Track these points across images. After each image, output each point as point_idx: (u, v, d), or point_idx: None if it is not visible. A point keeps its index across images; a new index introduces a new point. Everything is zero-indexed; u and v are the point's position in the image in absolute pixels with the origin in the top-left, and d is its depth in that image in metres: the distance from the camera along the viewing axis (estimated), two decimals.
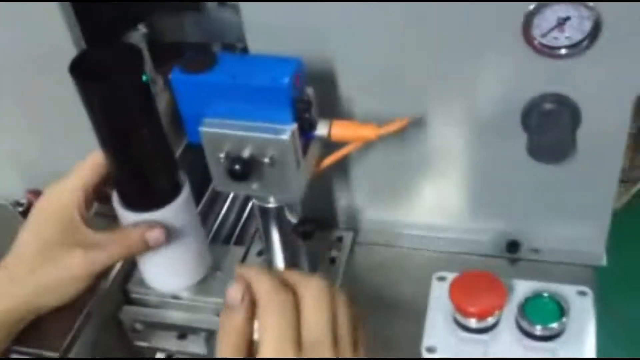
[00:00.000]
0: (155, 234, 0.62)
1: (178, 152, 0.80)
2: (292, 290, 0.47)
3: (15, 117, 0.74)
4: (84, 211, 0.62)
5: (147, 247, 0.62)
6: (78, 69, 0.56)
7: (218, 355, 0.48)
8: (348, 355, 0.46)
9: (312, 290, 0.47)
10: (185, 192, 0.64)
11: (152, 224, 0.62)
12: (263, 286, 0.47)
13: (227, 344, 0.48)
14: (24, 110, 0.74)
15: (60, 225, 0.61)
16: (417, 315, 0.62)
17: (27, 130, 0.76)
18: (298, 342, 0.45)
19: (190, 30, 0.87)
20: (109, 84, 0.56)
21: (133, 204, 0.63)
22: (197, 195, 0.82)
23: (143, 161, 0.61)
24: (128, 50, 0.61)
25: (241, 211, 0.85)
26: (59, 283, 0.60)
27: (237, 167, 0.55)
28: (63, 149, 0.73)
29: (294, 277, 0.48)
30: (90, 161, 0.62)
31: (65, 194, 0.62)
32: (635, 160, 2.05)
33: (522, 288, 0.54)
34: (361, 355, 0.48)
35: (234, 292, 0.48)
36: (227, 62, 0.56)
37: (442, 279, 0.56)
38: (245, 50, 0.71)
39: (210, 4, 0.89)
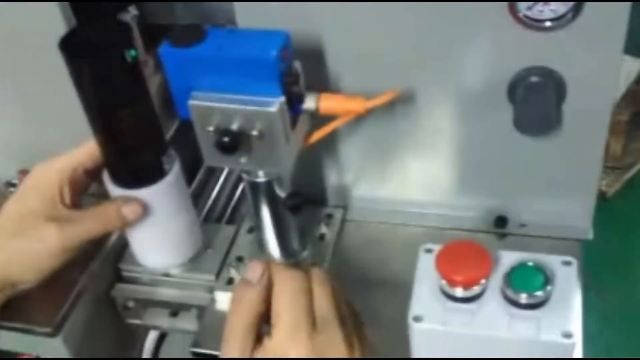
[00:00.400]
0: (131, 208, 0.63)
1: (170, 133, 0.81)
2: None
3: (9, 99, 0.75)
4: (67, 191, 0.63)
5: (125, 222, 0.63)
6: (67, 45, 0.57)
7: (228, 327, 0.49)
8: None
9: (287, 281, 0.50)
10: (175, 171, 0.65)
11: (128, 198, 0.63)
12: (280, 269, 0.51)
13: (240, 316, 0.49)
14: (18, 92, 0.74)
15: (40, 199, 0.62)
16: (406, 290, 0.63)
17: (21, 112, 0.76)
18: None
19: (181, 12, 0.88)
20: (97, 59, 0.56)
21: (122, 181, 0.64)
22: (190, 175, 0.83)
23: (131, 138, 0.61)
24: (117, 26, 0.61)
25: (233, 191, 0.86)
26: (32, 254, 0.61)
27: (225, 139, 0.56)
28: (56, 132, 0.74)
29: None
30: (85, 146, 0.64)
31: (51, 171, 0.63)
32: (628, 146, 2.07)
33: (508, 258, 0.54)
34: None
35: (255, 268, 0.50)
36: (216, 36, 0.56)
37: (429, 250, 0.57)
38: None
39: None
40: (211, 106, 0.56)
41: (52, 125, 0.75)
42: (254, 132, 0.56)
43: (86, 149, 0.64)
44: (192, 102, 0.57)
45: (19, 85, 0.73)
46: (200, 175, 0.85)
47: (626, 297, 1.57)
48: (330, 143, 0.70)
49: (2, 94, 0.74)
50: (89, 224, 0.62)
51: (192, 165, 0.80)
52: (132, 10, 0.82)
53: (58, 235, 0.61)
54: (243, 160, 0.58)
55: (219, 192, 0.85)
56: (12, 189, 0.79)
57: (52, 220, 0.61)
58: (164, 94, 0.67)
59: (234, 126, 0.56)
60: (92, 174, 0.65)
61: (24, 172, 0.79)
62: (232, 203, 0.84)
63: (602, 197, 1.72)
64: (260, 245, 0.68)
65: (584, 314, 0.60)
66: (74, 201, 0.64)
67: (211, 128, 0.57)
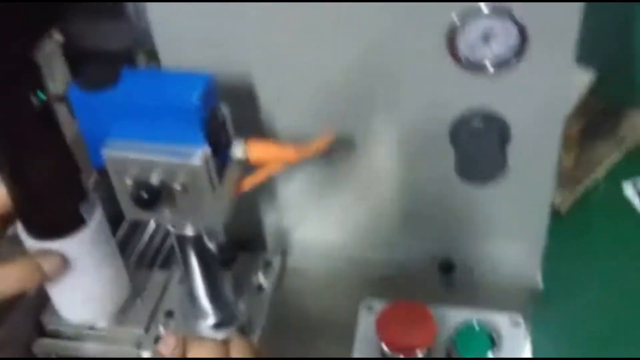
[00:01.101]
0: (52, 263, 0.57)
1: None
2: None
3: None
4: None
5: (45, 278, 0.58)
6: None
7: None
8: None
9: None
10: (96, 219, 0.60)
11: (48, 252, 0.58)
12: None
13: None
14: None
15: None
16: (348, 342, 0.60)
17: None
18: None
19: (110, 37, 0.83)
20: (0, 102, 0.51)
21: (37, 231, 0.59)
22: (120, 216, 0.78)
23: (43, 188, 0.56)
24: (24, 65, 0.56)
25: (168, 232, 0.81)
26: None
27: (143, 194, 0.51)
28: None
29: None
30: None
31: None
32: (580, 158, 2.07)
33: (454, 316, 0.51)
34: None
35: (168, 342, 0.49)
36: (132, 78, 0.51)
37: (370, 308, 0.53)
38: None
39: (130, 10, 0.84)
40: (128, 157, 0.51)
41: None
42: (177, 186, 0.51)
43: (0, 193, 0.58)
44: (106, 152, 0.52)
45: None
46: None
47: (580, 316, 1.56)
48: (266, 185, 0.66)
49: None
50: (4, 283, 0.57)
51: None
52: (57, 36, 0.77)
53: None
54: (167, 214, 0.54)
55: (154, 232, 0.80)
56: None
57: None
58: None
59: (154, 179, 0.51)
60: (8, 220, 0.59)
61: None
62: (167, 244, 0.79)
63: (556, 214, 1.71)
64: (191, 298, 0.64)
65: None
66: None
67: (129, 181, 0.52)
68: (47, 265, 0.57)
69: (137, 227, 0.80)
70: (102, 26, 0.82)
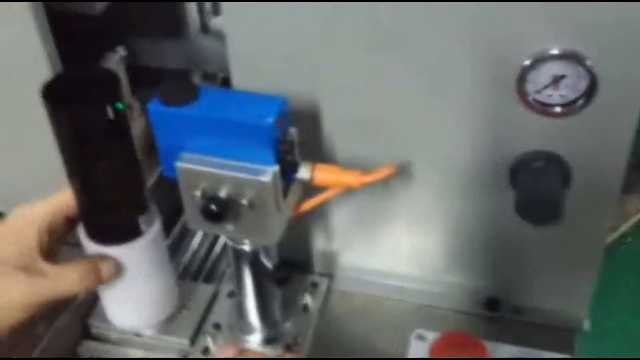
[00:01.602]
0: (108, 268, 0.59)
1: (152, 180, 0.77)
2: None
3: None
4: (46, 240, 0.58)
5: (100, 281, 0.59)
6: (49, 92, 0.54)
7: None
8: None
9: None
10: (155, 228, 0.61)
11: (104, 257, 0.59)
12: None
13: None
14: None
15: (15, 246, 0.57)
16: None
17: None
18: None
19: (171, 56, 0.85)
20: (79, 110, 0.53)
21: (97, 236, 0.60)
22: (168, 224, 0.80)
23: (109, 195, 0.57)
24: (104, 75, 0.58)
25: (213, 245, 0.82)
26: None
27: (212, 207, 0.52)
28: (33, 171, 0.70)
29: None
30: (67, 191, 0.59)
31: (31, 217, 0.59)
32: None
33: (503, 353, 0.52)
34: None
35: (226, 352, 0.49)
36: (209, 95, 0.53)
37: (421, 338, 0.54)
38: (226, 80, 0.68)
39: (192, 31, 0.87)
40: (199, 170, 0.53)
41: (29, 164, 0.71)
42: (244, 201, 0.53)
43: (68, 195, 0.60)
44: (179, 165, 0.53)
45: None
46: (178, 226, 0.81)
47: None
48: (319, 209, 0.66)
49: None
50: (62, 281, 0.58)
51: (171, 211, 0.76)
52: (121, 51, 0.79)
53: (25, 290, 0.56)
54: (230, 228, 0.55)
55: (199, 245, 0.81)
56: None
57: (23, 272, 0.56)
58: (147, 139, 0.64)
59: (223, 193, 0.53)
60: (74, 222, 0.61)
61: None
62: (211, 259, 0.81)
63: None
64: (240, 312, 0.65)
65: None
66: (52, 250, 0.59)
67: (198, 193, 0.53)
68: (104, 268, 0.59)
69: (183, 239, 0.82)
70: (163, 44, 0.84)
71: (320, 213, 0.68)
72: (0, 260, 0.57)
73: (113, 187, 0.57)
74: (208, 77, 0.92)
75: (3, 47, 0.63)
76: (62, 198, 0.60)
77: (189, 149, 0.54)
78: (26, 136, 0.68)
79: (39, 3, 0.60)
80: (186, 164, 0.53)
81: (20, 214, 0.59)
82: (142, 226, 0.61)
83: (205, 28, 0.87)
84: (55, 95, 0.53)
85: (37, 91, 0.53)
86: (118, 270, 0.60)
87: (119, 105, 0.54)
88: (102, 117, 0.53)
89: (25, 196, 0.60)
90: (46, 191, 0.60)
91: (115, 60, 0.78)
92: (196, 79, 0.91)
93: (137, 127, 0.78)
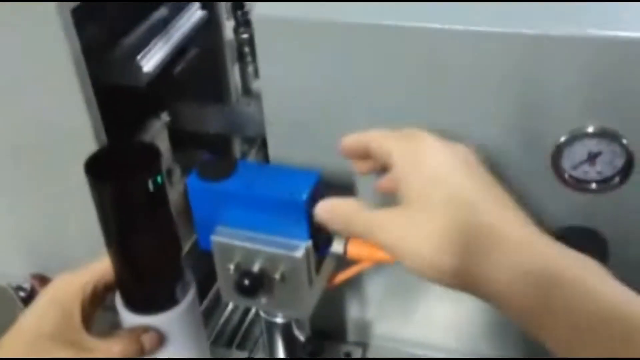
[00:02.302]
0: (151, 339, 0.59)
1: (188, 245, 0.79)
2: None
3: (25, 198, 0.73)
4: (88, 310, 0.59)
5: (142, 354, 0.60)
6: (92, 166, 0.55)
7: None
8: None
9: None
10: (190, 297, 0.62)
11: (147, 328, 0.60)
12: None
13: None
14: (33, 191, 0.72)
15: (59, 319, 0.58)
16: None
17: (36, 212, 0.74)
18: None
19: (212, 121, 0.87)
20: (119, 184, 0.55)
21: (134, 305, 0.61)
22: (203, 288, 0.80)
23: (147, 264, 0.58)
24: (146, 149, 0.60)
25: (247, 311, 0.82)
26: None
27: (246, 282, 0.53)
28: (73, 234, 0.72)
29: None
30: (106, 259, 0.61)
31: (73, 287, 0.59)
32: None
33: None
34: None
35: None
36: (245, 171, 0.54)
37: None
38: (265, 143, 0.70)
39: (234, 95, 0.89)
40: (234, 244, 0.54)
41: (69, 228, 0.73)
42: (276, 275, 0.53)
43: (107, 264, 0.61)
44: (214, 238, 0.54)
45: (37, 185, 0.72)
46: (213, 290, 0.81)
47: None
48: (352, 277, 0.67)
49: (19, 192, 0.73)
50: (107, 354, 0.58)
51: (208, 277, 0.77)
52: (164, 117, 0.81)
53: None
54: (263, 301, 0.55)
55: (232, 312, 0.82)
56: (22, 294, 0.77)
57: (71, 348, 0.56)
58: (186, 203, 0.65)
59: (256, 267, 0.53)
60: (111, 288, 0.62)
61: (36, 277, 0.77)
62: (245, 324, 0.81)
63: None
64: None
65: None
66: (91, 318, 0.60)
67: (232, 266, 0.54)
68: (147, 340, 0.59)
69: (217, 304, 0.82)
70: (205, 110, 0.87)
71: (354, 281, 0.68)
72: (46, 336, 0.58)
73: (150, 257, 0.58)
74: (248, 140, 0.94)
75: (50, 119, 0.65)
76: (102, 267, 0.61)
77: (224, 222, 0.55)
78: (70, 204, 0.70)
79: (86, 76, 0.62)
80: (221, 238, 0.54)
81: (62, 284, 0.60)
82: (178, 295, 0.61)
83: (247, 91, 0.90)
84: (97, 169, 0.55)
85: (81, 163, 0.55)
86: (161, 341, 0.60)
87: (159, 179, 0.56)
88: (142, 191, 0.55)
89: (68, 262, 0.62)
90: (88, 257, 0.62)
91: (158, 126, 0.80)
92: (236, 143, 0.93)
93: (176, 191, 0.80)
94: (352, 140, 0.52)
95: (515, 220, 0.45)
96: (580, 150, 0.52)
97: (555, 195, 0.54)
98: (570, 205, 0.55)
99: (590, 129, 0.51)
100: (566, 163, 0.53)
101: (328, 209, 0.50)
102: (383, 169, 0.50)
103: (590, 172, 0.53)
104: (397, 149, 0.48)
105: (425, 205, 0.45)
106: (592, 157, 0.52)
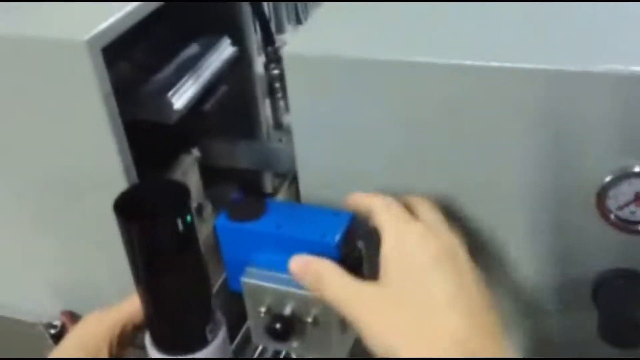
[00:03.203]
0: None
1: (219, 283, 0.77)
2: None
3: (55, 236, 0.73)
4: (117, 350, 0.59)
5: None
6: (121, 206, 0.55)
7: None
8: None
9: None
10: (220, 337, 0.60)
11: None
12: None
13: None
14: (64, 230, 0.72)
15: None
16: None
17: (66, 250, 0.74)
18: None
19: (243, 157, 0.86)
20: (149, 225, 0.54)
21: (164, 345, 0.60)
22: (234, 327, 0.79)
23: (176, 305, 0.57)
24: (175, 188, 0.59)
25: (278, 351, 0.80)
26: None
27: (277, 326, 0.51)
28: (102, 272, 0.71)
29: None
30: (135, 299, 0.60)
31: (101, 328, 0.59)
32: None
33: None
34: None
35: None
36: (276, 211, 0.53)
37: None
38: (296, 178, 0.69)
39: (265, 131, 0.89)
40: (264, 286, 0.52)
41: (98, 265, 0.73)
42: (309, 319, 0.52)
43: (137, 303, 0.60)
44: (244, 280, 0.53)
45: (67, 224, 0.71)
46: (243, 330, 0.80)
47: None
48: None
49: (48, 231, 0.73)
50: None
51: (239, 315, 0.76)
52: (195, 152, 0.81)
53: None
54: (294, 345, 0.54)
55: (262, 351, 0.80)
56: (52, 331, 0.76)
57: None
58: (216, 239, 0.64)
59: (287, 310, 0.52)
60: (140, 328, 0.61)
61: (66, 314, 0.76)
62: None
63: None
64: None
65: None
66: (119, 357, 0.59)
67: (263, 309, 0.53)
68: None
69: (247, 343, 0.80)
70: (235, 145, 0.86)
71: None
72: None
73: (179, 298, 0.57)
74: (279, 176, 0.93)
75: (80, 158, 0.65)
76: (132, 306, 0.60)
77: (255, 264, 0.53)
78: (100, 242, 0.70)
79: (117, 115, 0.62)
80: (251, 280, 0.53)
81: (91, 324, 0.60)
82: (208, 335, 0.60)
83: (278, 125, 0.89)
84: (125, 208, 0.55)
85: (111, 201, 0.54)
86: None
87: (188, 218, 0.55)
88: (171, 231, 0.54)
89: (99, 299, 0.61)
90: (119, 295, 0.61)
91: (189, 162, 0.80)
92: (267, 178, 0.92)
93: (207, 227, 0.79)
94: (355, 202, 0.53)
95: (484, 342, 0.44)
96: (627, 191, 0.50)
97: (600, 236, 0.52)
98: (615, 247, 0.52)
99: (638, 169, 0.49)
100: (612, 204, 0.50)
101: (301, 264, 0.50)
102: None
103: (637, 213, 0.50)
104: (388, 227, 0.49)
105: (400, 296, 0.46)
106: (639, 198, 0.50)
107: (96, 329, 0.59)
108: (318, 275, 0.49)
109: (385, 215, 0.50)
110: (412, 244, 0.48)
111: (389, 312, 0.45)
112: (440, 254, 0.47)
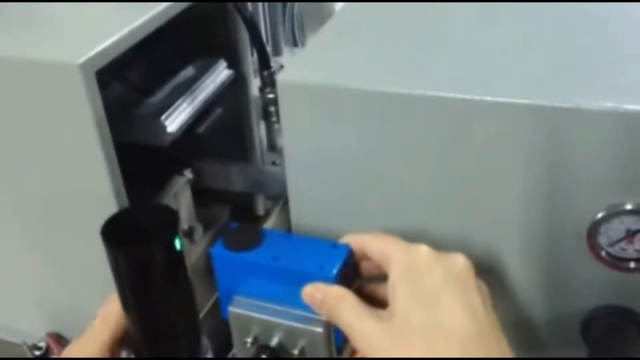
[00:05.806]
0: None
1: (209, 305, 0.76)
2: None
3: (41, 256, 0.72)
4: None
5: None
6: (108, 231, 0.54)
7: None
8: None
9: None
10: None
11: None
12: None
13: None
14: (51, 250, 0.71)
15: None
16: None
17: (53, 272, 0.73)
18: None
19: (236, 179, 0.86)
20: (136, 251, 0.53)
21: None
22: (222, 350, 0.78)
23: (161, 329, 0.57)
24: (164, 214, 0.58)
25: None
26: None
27: (263, 356, 0.51)
28: (89, 294, 0.70)
29: None
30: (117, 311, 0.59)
31: (89, 349, 0.57)
32: None
33: None
34: None
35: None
36: (273, 241, 0.53)
37: None
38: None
39: (259, 153, 0.88)
40: (252, 316, 0.52)
41: (85, 287, 0.72)
42: (295, 351, 0.51)
43: (119, 320, 0.59)
44: (232, 309, 0.52)
45: (55, 245, 0.71)
46: (231, 354, 0.79)
47: None
48: None
49: (36, 251, 0.72)
50: None
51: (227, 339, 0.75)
52: (187, 174, 0.80)
53: None
54: None
55: None
56: (37, 352, 0.75)
57: None
58: (207, 263, 0.64)
59: (274, 341, 0.51)
60: (121, 342, 0.60)
61: (51, 336, 0.75)
62: None
63: None
64: None
65: None
66: None
67: (249, 339, 0.52)
68: None
69: None
70: (228, 168, 0.86)
71: None
72: None
73: (165, 323, 0.57)
74: (271, 198, 0.92)
75: (70, 180, 0.64)
76: (114, 325, 0.59)
77: (243, 293, 0.53)
78: (87, 264, 0.69)
79: (109, 139, 0.62)
80: (238, 309, 0.52)
81: (78, 349, 0.59)
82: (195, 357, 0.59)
83: (272, 147, 0.89)
84: (113, 233, 0.54)
85: (99, 223, 0.53)
86: None
87: (177, 246, 0.54)
88: (159, 258, 0.53)
89: (84, 321, 0.60)
90: None
91: (181, 184, 0.79)
92: (260, 200, 0.92)
93: (198, 249, 0.78)
94: (349, 241, 0.52)
95: None
96: (618, 227, 0.49)
97: (591, 273, 0.52)
98: (606, 283, 0.52)
99: (629, 206, 0.48)
100: (603, 240, 0.50)
101: (319, 294, 0.49)
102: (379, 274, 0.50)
103: (628, 250, 0.50)
104: (395, 257, 0.48)
105: (410, 327, 0.45)
106: (630, 235, 0.49)
107: (85, 352, 0.58)
108: (332, 304, 0.48)
109: (388, 245, 0.49)
110: (422, 266, 0.47)
111: (400, 346, 0.44)
112: (449, 275, 0.46)
